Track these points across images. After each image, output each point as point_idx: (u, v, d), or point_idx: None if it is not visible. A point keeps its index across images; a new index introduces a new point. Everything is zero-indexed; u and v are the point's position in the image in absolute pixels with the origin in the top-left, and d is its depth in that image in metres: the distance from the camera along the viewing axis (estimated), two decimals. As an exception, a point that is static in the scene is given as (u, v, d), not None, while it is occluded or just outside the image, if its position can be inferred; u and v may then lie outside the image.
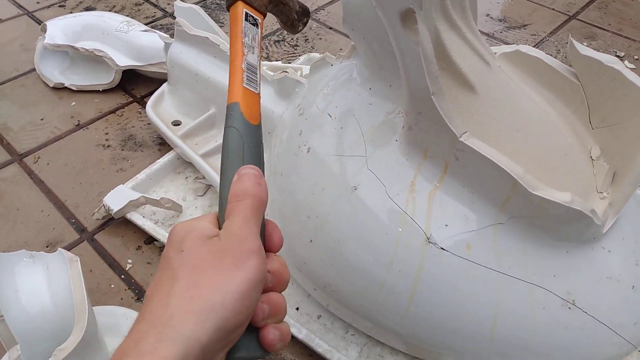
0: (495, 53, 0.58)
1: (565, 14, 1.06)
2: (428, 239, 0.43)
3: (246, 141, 0.35)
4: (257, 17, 0.42)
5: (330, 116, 0.50)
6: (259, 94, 0.38)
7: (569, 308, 0.44)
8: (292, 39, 0.97)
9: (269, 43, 0.96)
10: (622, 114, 0.50)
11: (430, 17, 0.43)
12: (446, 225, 0.43)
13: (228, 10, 0.42)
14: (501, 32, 1.00)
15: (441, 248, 0.43)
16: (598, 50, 0.97)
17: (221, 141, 0.66)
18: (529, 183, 0.40)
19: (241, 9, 0.41)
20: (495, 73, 0.48)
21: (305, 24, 0.52)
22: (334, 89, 0.52)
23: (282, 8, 0.48)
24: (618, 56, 0.95)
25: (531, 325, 0.44)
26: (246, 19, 0.41)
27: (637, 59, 0.95)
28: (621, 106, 0.50)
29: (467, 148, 0.41)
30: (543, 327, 0.44)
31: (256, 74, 0.39)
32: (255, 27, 0.41)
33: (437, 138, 0.42)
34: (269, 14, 0.46)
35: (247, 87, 0.37)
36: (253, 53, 0.39)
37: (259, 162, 0.35)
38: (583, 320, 0.45)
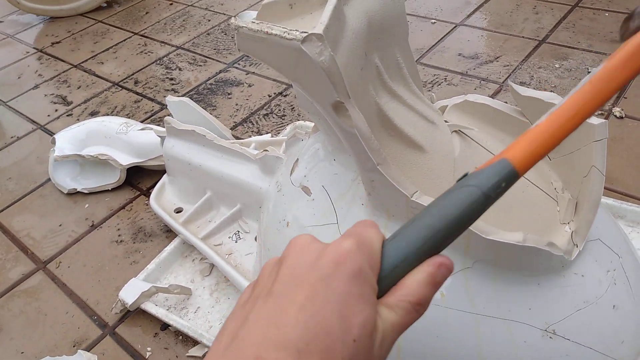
0: (447, 105, 0.62)
1: (535, 39, 1.11)
2: (403, 292, 0.46)
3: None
4: None
5: (303, 190, 0.55)
6: None
7: (550, 338, 0.47)
8: (279, 110, 1.03)
9: (258, 118, 1.02)
10: (572, 143, 0.54)
11: (368, 95, 0.48)
12: (417, 278, 0.47)
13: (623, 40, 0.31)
14: (474, 69, 1.05)
15: (416, 300, 0.46)
16: (570, 70, 1.01)
17: (219, 222, 0.72)
18: (481, 229, 0.43)
19: None
20: (441, 130, 0.53)
21: None
22: (304, 163, 0.57)
23: None
24: (590, 72, 0.99)
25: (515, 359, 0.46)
26: None
27: (609, 72, 0.98)
28: (569, 137, 0.54)
29: (420, 205, 0.44)
30: (527, 360, 0.46)
31: None
32: None
33: (394, 200, 0.46)
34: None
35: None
36: None
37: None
38: (567, 347, 0.47)
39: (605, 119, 0.88)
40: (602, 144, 0.50)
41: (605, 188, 0.76)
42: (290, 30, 0.39)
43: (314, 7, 0.48)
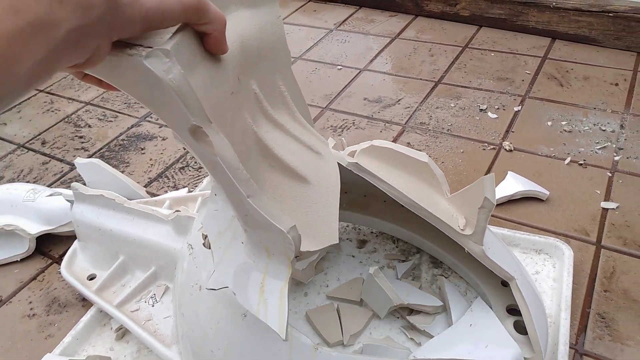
0: (356, 151, 0.67)
1: (432, 80, 1.20)
2: (315, 344, 0.49)
3: None
4: None
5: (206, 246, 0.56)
6: None
7: None
8: (195, 162, 1.04)
9: (174, 171, 1.03)
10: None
11: (244, 123, 0.46)
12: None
13: None
14: (379, 112, 1.12)
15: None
16: (464, 108, 1.10)
17: (134, 286, 0.71)
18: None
19: None
20: (327, 160, 0.55)
21: None
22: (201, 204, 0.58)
23: None
24: (482, 109, 1.08)
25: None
26: None
27: (497, 109, 1.08)
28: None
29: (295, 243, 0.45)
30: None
31: None
32: None
33: (270, 235, 0.44)
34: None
35: None
36: None
37: None
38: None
39: (497, 152, 0.97)
40: (491, 177, 0.55)
41: (499, 218, 0.84)
42: (134, 45, 0.35)
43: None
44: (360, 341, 0.65)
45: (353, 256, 0.79)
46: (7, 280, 0.84)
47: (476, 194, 0.57)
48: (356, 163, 0.58)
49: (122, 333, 0.71)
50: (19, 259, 0.87)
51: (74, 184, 0.77)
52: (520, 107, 1.08)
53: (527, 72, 1.19)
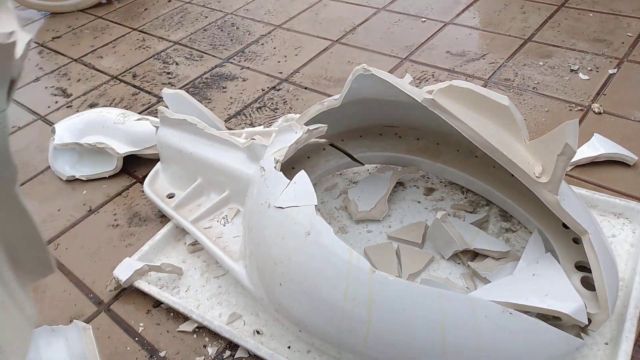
0: (432, 91, 0.65)
1: (521, 38, 1.14)
2: (373, 269, 0.50)
3: None
4: None
5: (286, 165, 0.58)
6: None
7: (510, 314, 0.50)
8: (272, 103, 1.07)
9: (251, 110, 1.06)
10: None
11: None
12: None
13: None
14: (461, 66, 1.08)
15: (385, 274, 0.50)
16: (553, 67, 1.04)
17: (208, 206, 0.75)
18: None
19: None
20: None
21: None
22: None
23: None
24: (572, 70, 1.02)
25: (476, 333, 0.49)
26: None
27: (590, 70, 1.02)
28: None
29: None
30: (488, 334, 0.50)
31: None
32: None
33: None
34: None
35: None
36: None
37: None
38: (526, 322, 0.50)
39: (584, 114, 0.91)
40: (574, 123, 0.53)
41: (579, 179, 0.80)
42: None
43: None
44: (417, 281, 0.66)
45: (419, 202, 0.79)
46: (96, 194, 0.92)
47: (556, 140, 0.55)
48: (432, 99, 0.58)
49: (195, 248, 0.76)
50: (107, 176, 0.94)
51: (160, 107, 0.81)
52: (616, 69, 1.01)
53: (629, 34, 1.11)
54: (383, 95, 0.65)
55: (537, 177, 0.57)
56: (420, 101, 0.58)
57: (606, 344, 0.59)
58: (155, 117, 1.00)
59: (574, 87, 0.98)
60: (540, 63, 1.05)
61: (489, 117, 0.61)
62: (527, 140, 0.60)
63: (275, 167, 0.60)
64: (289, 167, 0.78)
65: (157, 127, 0.84)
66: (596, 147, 0.83)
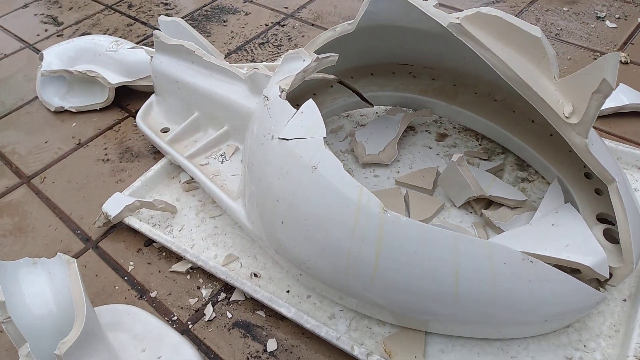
0: (458, 17, 0.59)
1: (545, -19, 1.07)
2: (385, 208, 0.46)
3: None
4: None
5: (290, 102, 0.53)
6: None
7: (531, 262, 0.46)
8: (276, 40, 1.00)
9: (253, 46, 0.99)
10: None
11: None
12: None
13: None
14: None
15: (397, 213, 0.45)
16: (578, 14, 0.98)
17: (205, 142, 0.70)
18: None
19: None
20: None
21: None
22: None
23: None
24: (599, 17, 0.95)
25: (492, 280, 0.46)
26: None
27: (618, 18, 0.95)
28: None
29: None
30: (505, 282, 0.46)
31: None
32: None
33: None
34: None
35: None
36: None
37: None
38: (547, 272, 0.47)
39: (608, 63, 0.85)
40: (614, 56, 0.47)
41: (602, 130, 0.75)
42: None
43: None
44: (427, 227, 0.62)
45: (430, 147, 0.74)
46: (86, 126, 0.86)
47: (592, 76, 0.49)
48: (459, 24, 0.52)
49: (190, 187, 0.71)
50: (98, 108, 0.88)
51: (156, 32, 0.75)
52: (645, 18, 0.94)
53: (661, -18, 1.03)
54: (402, 21, 0.59)
55: (566, 117, 0.52)
56: (445, 26, 0.52)
57: (624, 300, 0.55)
58: (151, 48, 0.93)
59: (599, 35, 0.92)
60: (565, 9, 0.98)
61: (518, 50, 0.56)
62: (558, 78, 0.55)
63: (280, 96, 0.55)
64: (292, 104, 0.72)
65: (152, 57, 0.78)
66: (621, 98, 0.77)
